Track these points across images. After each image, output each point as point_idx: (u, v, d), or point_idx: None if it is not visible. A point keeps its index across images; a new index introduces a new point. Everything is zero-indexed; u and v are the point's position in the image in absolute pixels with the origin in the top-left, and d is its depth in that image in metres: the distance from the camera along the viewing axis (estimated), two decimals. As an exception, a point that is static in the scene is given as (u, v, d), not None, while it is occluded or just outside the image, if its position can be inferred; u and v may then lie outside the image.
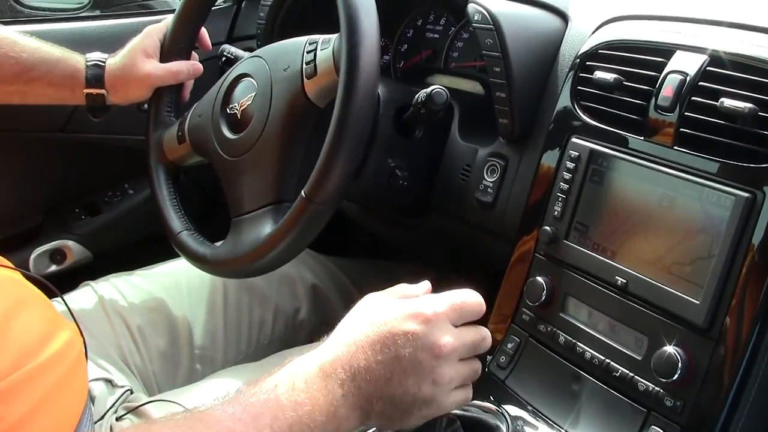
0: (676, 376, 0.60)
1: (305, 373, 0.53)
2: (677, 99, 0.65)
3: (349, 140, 0.67)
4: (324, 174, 0.67)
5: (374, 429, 0.54)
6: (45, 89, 0.89)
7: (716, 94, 0.62)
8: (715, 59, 0.64)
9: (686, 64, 0.65)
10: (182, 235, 0.84)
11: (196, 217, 0.87)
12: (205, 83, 0.90)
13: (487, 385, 0.74)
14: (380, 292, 0.59)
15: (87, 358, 0.65)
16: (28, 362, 0.50)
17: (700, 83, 0.64)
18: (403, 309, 0.55)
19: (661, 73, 0.66)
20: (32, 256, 1.16)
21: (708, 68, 0.64)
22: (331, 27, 0.73)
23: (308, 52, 0.74)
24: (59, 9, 1.34)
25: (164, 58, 0.91)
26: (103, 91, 0.89)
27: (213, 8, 0.94)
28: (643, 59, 0.69)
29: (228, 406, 0.51)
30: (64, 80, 0.89)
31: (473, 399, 0.65)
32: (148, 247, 1.02)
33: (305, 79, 0.73)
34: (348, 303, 1.08)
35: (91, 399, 0.72)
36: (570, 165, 0.72)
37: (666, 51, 0.67)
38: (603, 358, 0.67)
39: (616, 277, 0.67)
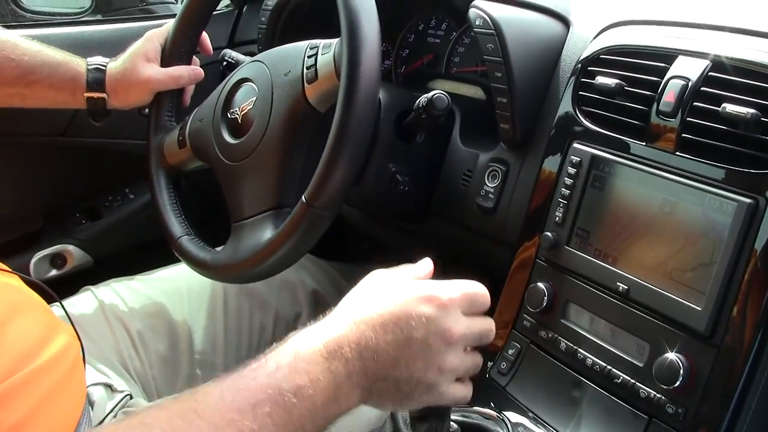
0: (677, 383, 0.60)
1: (309, 353, 0.51)
2: (679, 104, 0.64)
3: (350, 145, 0.66)
4: (324, 179, 0.67)
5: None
6: (46, 92, 0.89)
7: (718, 100, 0.62)
8: (717, 64, 0.64)
9: (688, 69, 0.65)
10: (182, 239, 0.84)
11: (196, 222, 0.87)
12: (206, 88, 0.90)
13: (488, 392, 0.74)
14: (386, 270, 0.58)
15: (85, 363, 0.65)
16: (25, 366, 0.50)
17: (702, 88, 0.64)
18: (418, 291, 0.54)
19: (662, 79, 0.66)
20: (33, 261, 1.16)
21: (710, 73, 0.64)
22: (332, 32, 0.73)
23: (309, 57, 0.74)
24: (61, 13, 1.34)
25: (165, 62, 0.91)
26: (103, 95, 0.89)
27: (214, 13, 0.94)
28: (644, 64, 0.69)
29: (227, 393, 0.49)
30: (65, 84, 0.89)
31: (473, 405, 0.65)
32: (149, 251, 1.02)
33: (306, 84, 0.73)
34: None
35: (91, 404, 0.72)
36: (571, 170, 0.72)
37: (668, 56, 0.67)
38: (604, 364, 0.67)
39: (618, 284, 0.66)
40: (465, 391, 0.57)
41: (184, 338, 0.89)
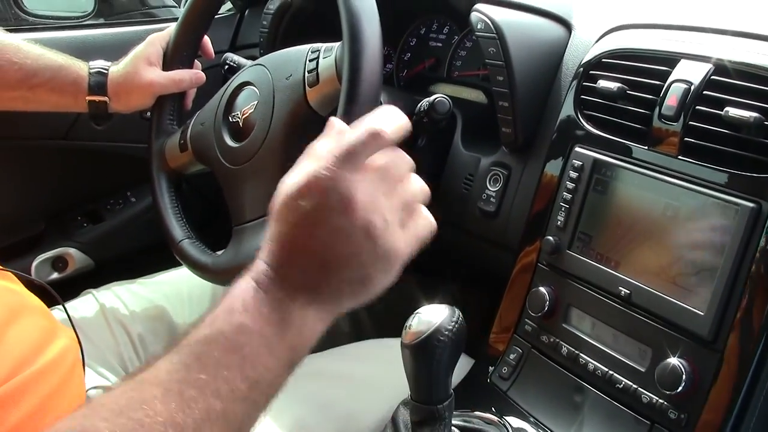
0: (680, 388, 0.59)
1: (231, 299, 0.45)
2: (681, 108, 0.64)
3: None
4: None
5: None
6: (48, 96, 0.89)
7: (721, 104, 0.62)
8: (720, 68, 0.63)
9: (690, 73, 0.65)
10: (184, 243, 0.84)
11: (197, 226, 0.87)
12: (208, 91, 0.90)
13: (489, 396, 0.74)
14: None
15: (84, 366, 0.64)
16: (24, 370, 0.50)
17: (704, 92, 0.63)
18: (294, 179, 0.46)
19: (665, 82, 0.66)
20: (34, 264, 1.16)
21: (712, 77, 0.63)
22: (333, 36, 0.73)
23: (310, 61, 0.74)
24: (64, 17, 1.35)
25: (167, 66, 0.91)
26: (105, 99, 0.89)
27: (216, 17, 0.94)
28: (647, 68, 0.69)
29: (172, 357, 0.42)
30: (67, 87, 0.89)
31: (475, 410, 0.64)
32: (150, 255, 1.02)
33: (307, 88, 0.73)
34: (350, 313, 1.08)
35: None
36: (573, 174, 0.72)
37: (670, 60, 0.67)
38: (606, 369, 0.66)
39: (620, 288, 0.66)
40: (424, 222, 0.50)
41: (185, 342, 0.88)
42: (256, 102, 0.78)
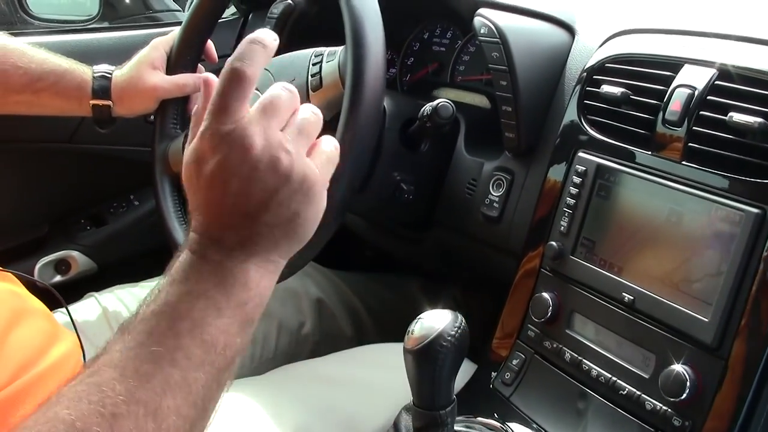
0: (684, 395, 0.59)
1: (171, 274, 0.44)
2: (685, 113, 0.64)
3: (354, 154, 0.66)
4: (329, 187, 0.67)
5: None
6: (52, 100, 0.90)
7: (725, 109, 0.62)
8: (724, 73, 0.63)
9: (694, 78, 0.64)
10: (186, 247, 0.83)
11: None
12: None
13: (491, 402, 0.74)
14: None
15: (87, 370, 0.64)
16: (26, 373, 0.50)
17: (708, 97, 0.63)
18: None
19: (668, 87, 0.66)
20: (37, 266, 1.16)
21: (716, 82, 0.63)
22: (337, 40, 0.73)
23: (314, 65, 0.74)
24: (68, 21, 1.35)
25: (170, 70, 0.91)
26: (109, 103, 0.89)
27: (220, 21, 0.94)
28: (650, 73, 0.69)
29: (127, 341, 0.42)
30: (71, 91, 0.89)
31: (478, 416, 0.64)
32: (153, 258, 1.02)
33: (311, 92, 0.73)
34: (353, 317, 1.08)
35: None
36: (576, 180, 0.72)
37: (674, 65, 0.67)
38: (609, 375, 0.66)
39: (623, 294, 0.66)
40: (327, 144, 0.50)
41: (187, 346, 0.88)
42: (259, 106, 0.78)
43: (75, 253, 1.20)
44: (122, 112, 0.91)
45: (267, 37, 0.46)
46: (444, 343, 0.54)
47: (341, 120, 0.67)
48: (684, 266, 0.62)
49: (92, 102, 0.89)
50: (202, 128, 0.45)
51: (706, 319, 0.60)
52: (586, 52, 0.78)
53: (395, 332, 0.68)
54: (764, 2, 0.76)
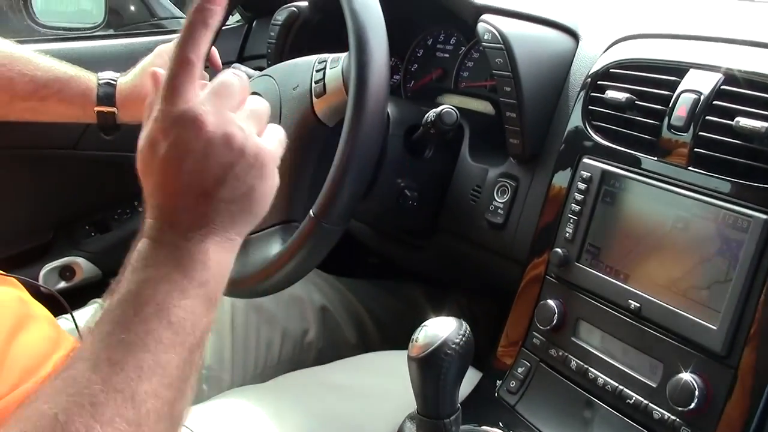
0: (692, 404, 0.58)
1: (141, 265, 0.44)
2: (691, 118, 0.63)
3: (358, 160, 0.66)
4: (332, 194, 0.66)
5: None
6: (57, 106, 0.90)
7: (731, 114, 0.61)
8: (730, 78, 0.63)
9: (700, 82, 0.64)
10: (190, 253, 0.83)
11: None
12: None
13: (496, 411, 0.73)
14: None
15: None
16: (28, 380, 0.50)
17: (714, 102, 0.63)
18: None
19: (674, 92, 0.65)
20: (42, 272, 1.17)
21: (722, 87, 0.63)
22: (341, 47, 0.73)
23: (317, 71, 0.74)
24: (74, 28, 1.36)
25: (175, 77, 0.91)
26: (113, 110, 0.90)
27: (223, 28, 0.95)
28: (655, 78, 0.68)
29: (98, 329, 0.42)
30: (76, 98, 0.90)
31: (483, 425, 0.63)
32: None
33: (314, 98, 0.73)
34: (357, 325, 1.08)
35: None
36: (582, 186, 0.71)
37: (679, 69, 0.66)
38: (616, 384, 0.65)
39: (630, 301, 0.65)
40: (276, 129, 0.50)
41: (191, 353, 0.88)
42: (263, 113, 0.78)
43: (80, 260, 1.20)
44: (127, 118, 0.91)
45: (209, 11, 0.46)
46: (448, 351, 0.54)
47: (345, 127, 0.66)
48: (691, 273, 0.61)
49: (97, 109, 0.90)
50: (153, 113, 0.45)
51: (714, 327, 0.59)
52: (591, 57, 0.78)
53: (399, 340, 0.68)
54: (770, 7, 0.75)
